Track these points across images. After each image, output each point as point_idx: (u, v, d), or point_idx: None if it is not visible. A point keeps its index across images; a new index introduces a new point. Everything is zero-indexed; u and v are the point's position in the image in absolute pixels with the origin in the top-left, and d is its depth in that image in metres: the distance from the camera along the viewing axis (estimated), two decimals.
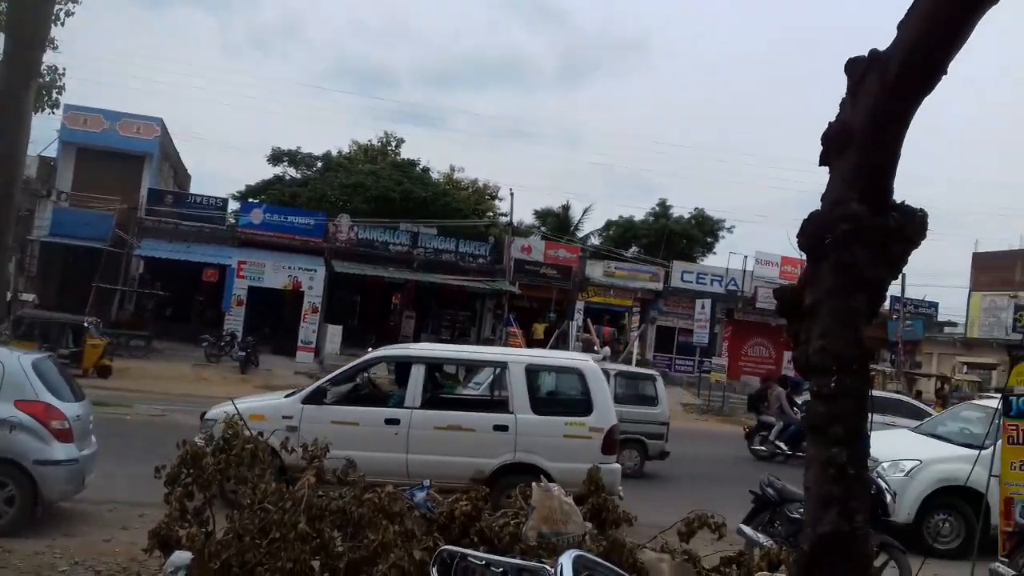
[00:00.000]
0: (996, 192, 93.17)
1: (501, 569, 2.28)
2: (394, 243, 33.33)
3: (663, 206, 47.99)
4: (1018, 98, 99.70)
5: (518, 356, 9.90)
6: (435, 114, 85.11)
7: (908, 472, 9.98)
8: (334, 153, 45.35)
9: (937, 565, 8.93)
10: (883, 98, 3.36)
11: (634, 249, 45.46)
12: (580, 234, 45.39)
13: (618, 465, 9.06)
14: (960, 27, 3.19)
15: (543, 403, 9.42)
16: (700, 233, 47.91)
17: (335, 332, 29.52)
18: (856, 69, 3.48)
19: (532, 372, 9.25)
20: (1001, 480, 8.75)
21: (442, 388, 11.36)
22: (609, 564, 2.61)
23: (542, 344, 31.56)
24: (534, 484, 5.57)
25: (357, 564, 4.88)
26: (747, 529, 7.56)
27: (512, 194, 38.21)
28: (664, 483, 13.00)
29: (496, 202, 48.36)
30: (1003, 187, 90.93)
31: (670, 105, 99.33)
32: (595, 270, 36.20)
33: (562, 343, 33.49)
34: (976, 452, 9.30)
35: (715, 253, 48.03)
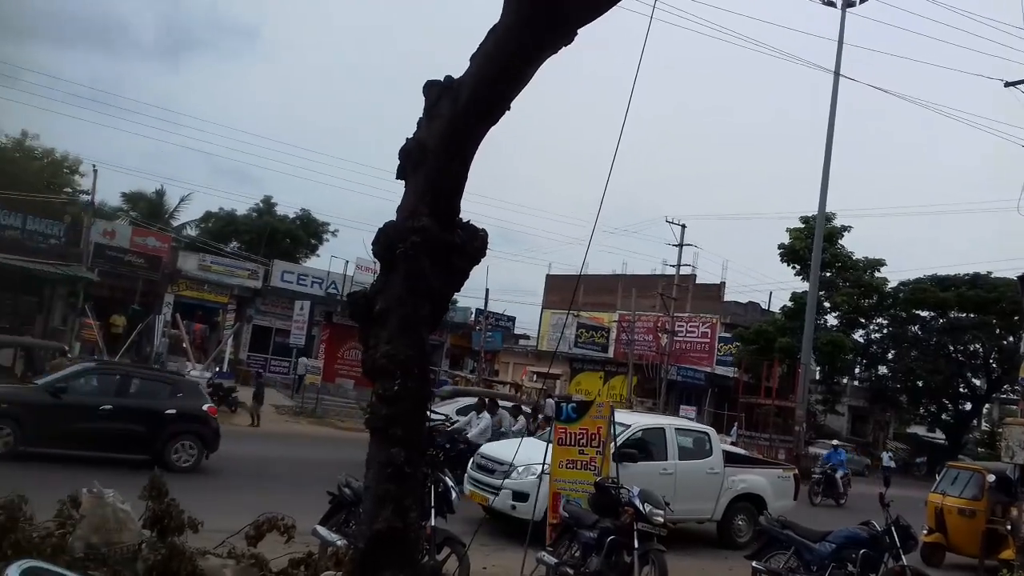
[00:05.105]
0: (568, 223, 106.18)
1: None
2: None
3: (268, 203, 46.99)
4: (587, 136, 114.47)
5: None
6: (5, 70, 73.87)
7: (540, 475, 10.77)
8: None
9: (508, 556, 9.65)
10: (454, 122, 3.63)
11: (234, 244, 43.80)
12: (176, 223, 42.57)
13: None
14: (517, 71, 3.56)
15: None
16: (305, 234, 47.69)
17: None
18: (432, 92, 3.71)
19: None
20: (551, 477, 9.86)
21: None
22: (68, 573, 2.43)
23: (121, 338, 28.96)
24: (84, 491, 5.08)
25: None
26: (322, 530, 7.62)
27: (96, 171, 34.54)
28: (242, 486, 12.58)
29: (77, 177, 43.28)
30: (573, 219, 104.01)
31: (282, 101, 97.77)
32: (189, 262, 34.20)
33: (147, 338, 31.09)
34: None
35: (319, 255, 48.19)
